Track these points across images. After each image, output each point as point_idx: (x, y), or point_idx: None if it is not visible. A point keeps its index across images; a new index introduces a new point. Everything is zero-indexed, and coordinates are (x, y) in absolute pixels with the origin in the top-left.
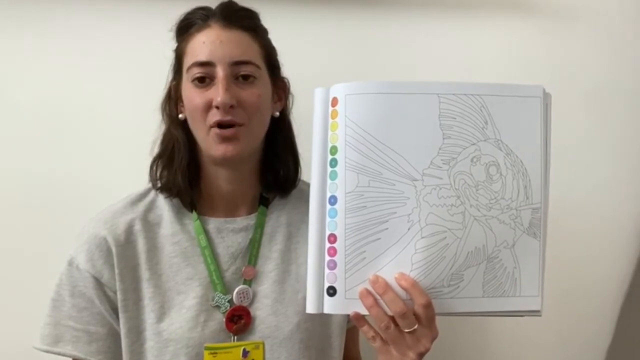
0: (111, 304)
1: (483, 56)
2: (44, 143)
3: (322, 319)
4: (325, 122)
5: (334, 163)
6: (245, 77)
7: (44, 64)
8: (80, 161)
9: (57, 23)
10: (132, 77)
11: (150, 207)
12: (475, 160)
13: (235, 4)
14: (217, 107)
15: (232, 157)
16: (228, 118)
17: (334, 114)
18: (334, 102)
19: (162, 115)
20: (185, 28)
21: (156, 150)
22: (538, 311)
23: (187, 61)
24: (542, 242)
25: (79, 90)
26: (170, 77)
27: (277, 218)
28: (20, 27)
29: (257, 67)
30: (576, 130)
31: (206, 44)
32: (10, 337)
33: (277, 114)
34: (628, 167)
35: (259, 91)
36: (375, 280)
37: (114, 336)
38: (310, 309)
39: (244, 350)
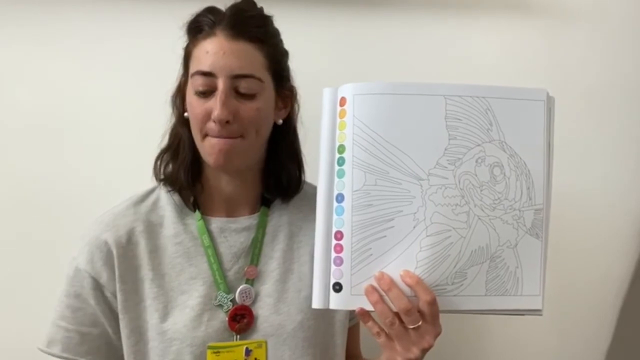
0: (108, 306)
1: (483, 56)
2: (48, 143)
3: (324, 317)
4: (333, 121)
5: (341, 161)
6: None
7: (44, 65)
8: (83, 161)
9: (57, 23)
10: (135, 76)
11: (153, 207)
12: (480, 161)
13: (247, 9)
14: (215, 121)
15: (225, 166)
16: (224, 133)
17: (342, 114)
18: (342, 101)
19: (172, 109)
20: (194, 31)
21: (165, 142)
22: (539, 310)
23: (192, 67)
24: (544, 242)
25: (82, 90)
26: (180, 73)
27: (279, 217)
28: (21, 27)
29: (260, 80)
30: (575, 130)
31: (209, 54)
32: (12, 337)
33: (281, 121)
34: (628, 166)
35: (259, 105)
36: (381, 277)
37: (106, 337)
38: (316, 304)
39: (247, 349)
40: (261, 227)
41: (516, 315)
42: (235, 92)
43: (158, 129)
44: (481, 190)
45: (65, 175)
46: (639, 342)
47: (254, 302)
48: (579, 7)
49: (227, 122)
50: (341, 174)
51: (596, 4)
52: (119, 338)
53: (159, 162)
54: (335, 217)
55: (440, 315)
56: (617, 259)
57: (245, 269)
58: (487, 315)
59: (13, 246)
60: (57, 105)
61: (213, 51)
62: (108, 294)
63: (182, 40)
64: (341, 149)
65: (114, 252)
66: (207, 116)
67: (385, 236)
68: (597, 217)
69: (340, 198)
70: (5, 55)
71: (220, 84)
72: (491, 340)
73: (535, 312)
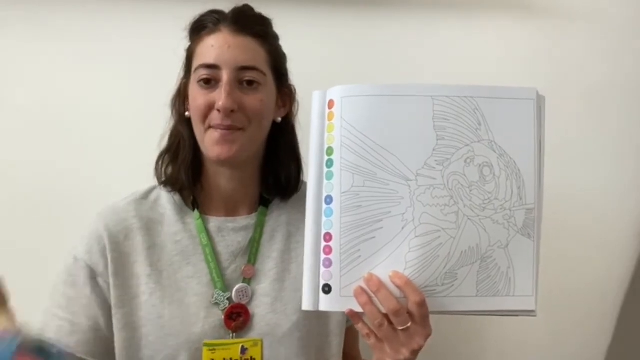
0: (102, 297)
1: (483, 56)
2: (48, 142)
3: (321, 317)
4: (322, 123)
5: (330, 163)
6: (250, 83)
7: (45, 64)
8: (83, 161)
9: (57, 23)
10: (135, 76)
11: (153, 205)
12: (468, 161)
13: (249, 10)
14: (219, 111)
15: (227, 159)
16: (228, 122)
17: (331, 116)
18: (331, 104)
19: (172, 111)
20: (197, 30)
21: (164, 144)
22: (533, 311)
23: (196, 62)
24: (536, 242)
25: (83, 90)
26: (181, 75)
27: (277, 218)
28: (21, 27)
29: (263, 73)
30: (575, 130)
31: (214, 47)
32: None
33: (279, 119)
34: (628, 166)
35: (262, 97)
36: (370, 278)
37: (97, 331)
38: (306, 306)
39: (242, 347)
40: (259, 227)
41: (509, 316)
42: (239, 84)
43: (158, 129)
44: (470, 191)
45: (65, 175)
46: (639, 342)
47: (250, 300)
48: (579, 7)
49: (232, 111)
50: (330, 176)
51: (596, 4)
52: (111, 331)
53: (160, 163)
54: (324, 218)
55: (437, 315)
56: (617, 259)
57: (243, 268)
58: (482, 316)
59: (13, 246)
60: (57, 105)
61: (218, 45)
62: (103, 284)
63: (183, 41)
64: (329, 151)
65: (111, 246)
66: (211, 107)
67: (374, 237)
68: (597, 217)
69: (329, 200)
70: (5, 55)
71: (225, 75)
72: (489, 340)
73: (529, 312)
